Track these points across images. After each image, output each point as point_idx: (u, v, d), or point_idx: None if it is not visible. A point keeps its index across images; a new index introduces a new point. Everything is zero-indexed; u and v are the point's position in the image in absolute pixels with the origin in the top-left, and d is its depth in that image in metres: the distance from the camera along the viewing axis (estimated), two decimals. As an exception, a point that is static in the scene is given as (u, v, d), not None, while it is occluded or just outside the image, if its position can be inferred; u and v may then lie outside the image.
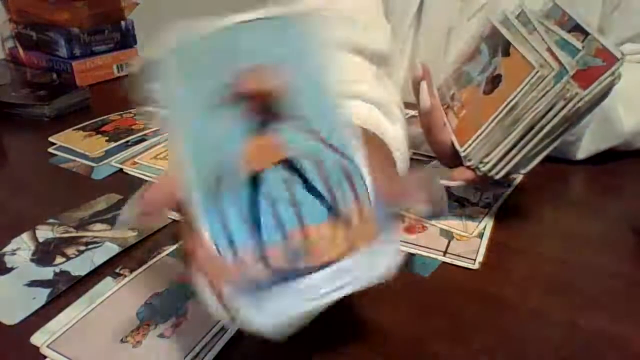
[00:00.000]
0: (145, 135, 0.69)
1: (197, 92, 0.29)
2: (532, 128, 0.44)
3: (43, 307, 0.39)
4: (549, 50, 0.43)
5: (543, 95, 0.42)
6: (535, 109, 0.43)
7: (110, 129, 0.71)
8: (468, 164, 0.47)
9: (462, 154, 0.47)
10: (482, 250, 0.46)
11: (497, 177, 0.46)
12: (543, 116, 0.43)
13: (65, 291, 0.41)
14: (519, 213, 0.52)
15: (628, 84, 0.61)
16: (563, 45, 0.44)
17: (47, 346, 0.35)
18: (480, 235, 0.48)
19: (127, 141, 0.67)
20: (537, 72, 0.42)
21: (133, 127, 0.71)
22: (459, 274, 0.43)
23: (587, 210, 0.54)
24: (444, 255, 0.45)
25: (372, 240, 0.29)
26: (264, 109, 0.29)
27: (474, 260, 0.44)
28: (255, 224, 0.28)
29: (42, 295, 0.40)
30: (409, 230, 0.49)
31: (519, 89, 0.43)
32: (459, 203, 0.53)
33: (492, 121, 0.45)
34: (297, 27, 0.31)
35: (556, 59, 0.42)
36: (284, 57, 0.30)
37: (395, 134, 0.47)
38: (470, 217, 0.50)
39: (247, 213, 0.28)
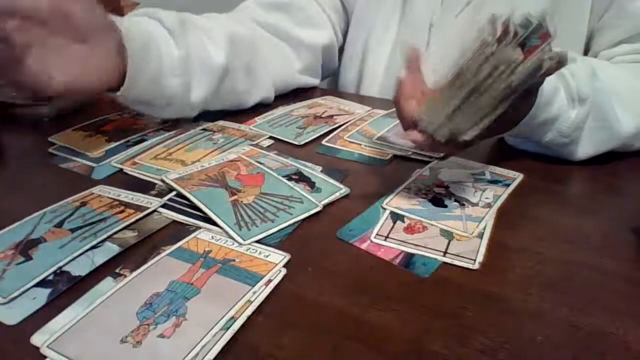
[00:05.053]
0: (145, 135, 0.69)
1: None
2: (474, 91, 0.45)
3: (43, 307, 0.39)
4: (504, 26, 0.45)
5: (486, 59, 0.44)
6: (478, 72, 0.45)
7: (110, 129, 0.71)
8: (419, 127, 0.48)
9: (417, 118, 0.49)
10: (482, 250, 0.46)
11: (440, 138, 0.47)
12: (485, 80, 0.45)
13: (65, 291, 0.41)
14: (519, 213, 0.52)
15: (625, 86, 0.62)
16: (523, 22, 0.46)
17: (47, 346, 0.35)
18: (480, 235, 0.48)
19: (127, 141, 0.67)
20: (482, 38, 0.44)
21: (133, 127, 0.71)
22: (459, 274, 0.43)
23: (587, 210, 0.54)
24: (444, 255, 0.45)
25: None
26: None
27: (474, 260, 0.44)
28: None
29: (42, 295, 0.40)
30: (409, 230, 0.49)
31: (467, 55, 0.45)
32: (459, 203, 0.53)
33: (443, 86, 0.47)
34: None
35: (504, 28, 0.44)
36: None
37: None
38: (470, 217, 0.50)
39: None
